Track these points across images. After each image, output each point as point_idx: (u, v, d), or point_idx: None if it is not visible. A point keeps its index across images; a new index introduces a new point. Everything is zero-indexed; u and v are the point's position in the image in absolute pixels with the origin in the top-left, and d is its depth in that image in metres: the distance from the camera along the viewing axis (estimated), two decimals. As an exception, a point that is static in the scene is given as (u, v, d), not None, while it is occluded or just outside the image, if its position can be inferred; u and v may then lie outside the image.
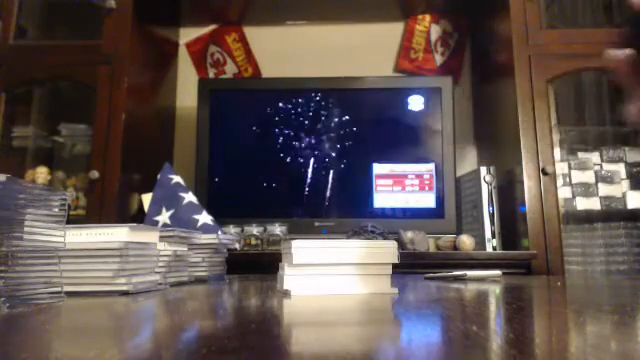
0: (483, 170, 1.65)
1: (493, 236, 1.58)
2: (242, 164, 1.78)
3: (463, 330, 0.30)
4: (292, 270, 0.46)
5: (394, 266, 0.53)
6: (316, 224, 1.69)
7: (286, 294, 0.45)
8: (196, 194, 1.57)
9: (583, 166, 1.65)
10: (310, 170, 1.75)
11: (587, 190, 1.62)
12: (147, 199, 1.56)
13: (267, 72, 2.07)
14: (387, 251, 0.47)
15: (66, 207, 0.45)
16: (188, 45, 2.11)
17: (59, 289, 0.44)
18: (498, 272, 0.70)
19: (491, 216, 1.60)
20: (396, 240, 1.61)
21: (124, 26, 1.65)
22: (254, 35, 2.11)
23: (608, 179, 1.64)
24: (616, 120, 1.79)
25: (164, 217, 1.49)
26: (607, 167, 1.66)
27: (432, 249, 1.72)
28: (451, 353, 0.24)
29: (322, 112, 1.80)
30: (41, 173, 1.69)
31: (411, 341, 0.27)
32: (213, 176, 1.77)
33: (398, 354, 0.24)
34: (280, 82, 1.84)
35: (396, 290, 0.47)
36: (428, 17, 2.06)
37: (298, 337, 0.29)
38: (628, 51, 0.46)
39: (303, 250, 0.46)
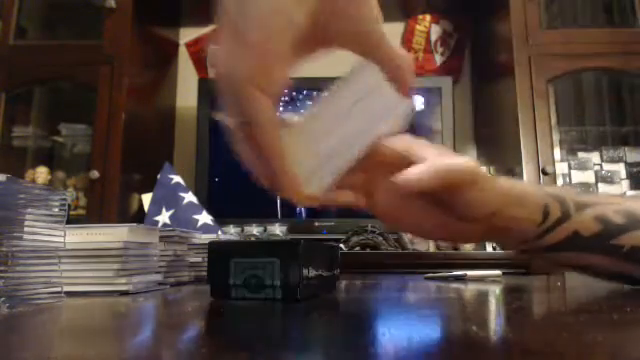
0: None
1: (493, 236, 1.58)
2: (242, 164, 1.78)
3: (463, 330, 0.30)
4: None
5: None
6: (316, 224, 1.69)
7: None
8: (196, 194, 1.57)
9: (583, 166, 1.65)
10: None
11: (587, 190, 1.62)
12: (147, 199, 1.56)
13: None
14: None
15: (66, 207, 0.45)
16: (188, 45, 2.11)
17: (59, 289, 0.44)
18: (498, 272, 0.70)
19: (491, 216, 1.59)
20: (396, 240, 1.60)
21: (124, 26, 1.65)
22: (254, 35, 2.11)
23: (608, 179, 1.64)
24: (616, 120, 1.79)
25: (164, 217, 1.49)
26: (607, 167, 1.66)
27: (432, 249, 1.72)
28: (451, 353, 0.24)
29: (322, 112, 1.80)
30: (41, 173, 1.69)
31: (411, 340, 0.27)
32: (213, 176, 1.77)
33: (398, 353, 0.24)
34: (280, 82, 1.84)
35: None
36: (428, 17, 2.06)
37: (299, 336, 0.29)
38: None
39: None
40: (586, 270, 0.52)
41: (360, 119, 0.39)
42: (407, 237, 1.56)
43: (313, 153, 0.38)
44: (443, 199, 0.45)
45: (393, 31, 2.07)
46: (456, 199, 0.44)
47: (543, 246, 0.49)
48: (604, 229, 0.49)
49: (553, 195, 0.49)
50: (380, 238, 1.51)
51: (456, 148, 1.77)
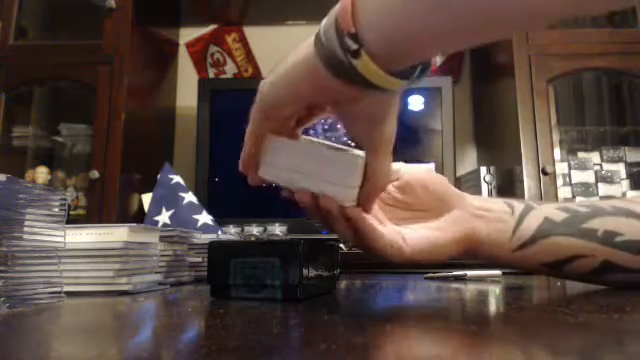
0: (483, 170, 1.65)
1: (493, 236, 1.58)
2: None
3: (463, 329, 0.30)
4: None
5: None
6: (316, 224, 1.69)
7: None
8: (196, 194, 1.57)
9: (583, 166, 1.64)
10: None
11: (587, 190, 1.62)
12: (147, 199, 1.56)
13: (267, 72, 2.07)
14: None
15: (66, 207, 0.45)
16: (188, 45, 2.11)
17: (59, 289, 0.44)
18: (498, 272, 0.70)
19: (491, 216, 1.59)
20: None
21: (124, 26, 1.65)
22: (254, 35, 2.11)
23: (608, 179, 1.64)
24: (616, 120, 1.79)
25: (164, 217, 1.49)
26: (607, 167, 1.66)
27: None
28: (451, 353, 0.24)
29: (322, 112, 1.79)
30: (41, 173, 1.69)
31: (411, 340, 0.27)
32: (213, 176, 1.76)
33: (398, 353, 0.24)
34: (280, 82, 1.84)
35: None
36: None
37: (299, 336, 0.29)
38: None
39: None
40: (570, 265, 0.51)
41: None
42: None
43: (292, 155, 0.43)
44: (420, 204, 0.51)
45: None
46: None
47: (523, 241, 0.50)
48: (572, 215, 0.50)
49: (504, 199, 0.54)
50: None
51: (456, 148, 1.77)
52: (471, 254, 0.52)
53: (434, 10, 0.32)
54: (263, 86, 0.42)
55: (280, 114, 0.42)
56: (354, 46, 0.34)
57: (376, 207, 0.52)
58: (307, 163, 0.43)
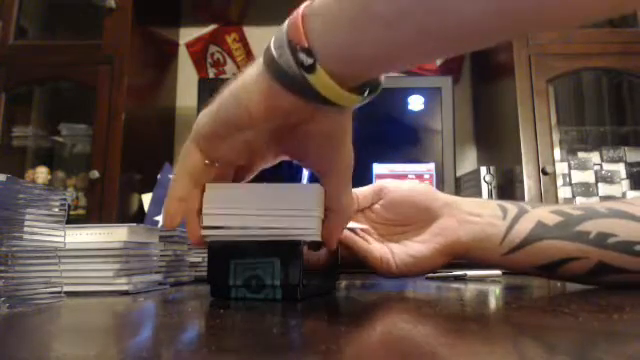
0: (483, 170, 1.64)
1: (493, 236, 1.58)
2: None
3: (463, 329, 0.30)
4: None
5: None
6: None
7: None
8: (196, 194, 1.57)
9: (583, 166, 1.64)
10: (309, 170, 1.74)
11: (587, 190, 1.62)
12: (147, 199, 1.56)
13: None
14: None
15: (66, 207, 0.45)
16: (188, 45, 2.11)
17: (59, 289, 0.44)
18: (498, 272, 0.70)
19: (491, 216, 1.59)
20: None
21: (124, 26, 1.65)
22: (254, 35, 2.11)
23: (608, 179, 1.64)
24: (616, 120, 1.79)
25: (164, 217, 1.49)
26: (607, 167, 1.66)
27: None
28: (451, 353, 0.24)
29: (322, 112, 1.79)
30: (41, 173, 1.69)
31: (411, 340, 0.27)
32: (213, 176, 1.76)
33: (398, 353, 0.24)
34: (280, 82, 1.84)
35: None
36: (428, 17, 2.06)
37: (299, 336, 0.29)
38: None
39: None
40: (563, 267, 0.51)
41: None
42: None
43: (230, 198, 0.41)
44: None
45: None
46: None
47: (514, 245, 0.51)
48: (565, 219, 0.51)
49: (500, 201, 0.54)
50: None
51: (456, 148, 1.77)
52: (462, 259, 0.53)
53: (390, 26, 0.30)
54: (200, 119, 0.40)
55: (220, 147, 0.40)
56: (308, 60, 0.33)
57: (365, 224, 0.53)
58: (259, 201, 0.41)
